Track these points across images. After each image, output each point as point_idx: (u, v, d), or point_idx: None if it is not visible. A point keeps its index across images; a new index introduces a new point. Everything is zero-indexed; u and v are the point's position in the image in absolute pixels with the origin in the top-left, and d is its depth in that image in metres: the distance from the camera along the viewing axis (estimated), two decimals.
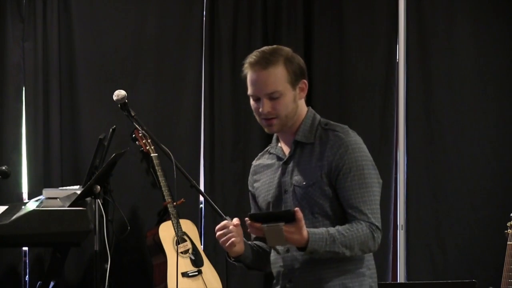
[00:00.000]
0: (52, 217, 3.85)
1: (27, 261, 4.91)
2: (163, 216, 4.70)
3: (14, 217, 3.84)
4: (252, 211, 2.64)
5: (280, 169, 2.51)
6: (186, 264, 4.45)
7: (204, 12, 5.10)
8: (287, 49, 2.49)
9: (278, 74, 2.42)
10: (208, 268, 4.53)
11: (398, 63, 5.08)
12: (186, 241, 4.52)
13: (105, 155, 4.42)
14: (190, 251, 4.50)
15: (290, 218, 2.30)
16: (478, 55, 5.01)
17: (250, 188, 2.65)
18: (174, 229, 4.45)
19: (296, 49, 5.32)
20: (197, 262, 4.50)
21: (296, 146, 2.49)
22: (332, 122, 2.51)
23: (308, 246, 2.32)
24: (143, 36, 5.06)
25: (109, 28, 5.04)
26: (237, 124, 5.11)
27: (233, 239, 2.43)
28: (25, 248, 4.86)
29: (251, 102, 2.50)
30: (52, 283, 4.41)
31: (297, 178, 2.45)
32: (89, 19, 5.01)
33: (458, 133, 5.00)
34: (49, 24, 4.92)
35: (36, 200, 4.28)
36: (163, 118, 5.05)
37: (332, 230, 2.37)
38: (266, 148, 2.64)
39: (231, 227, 2.45)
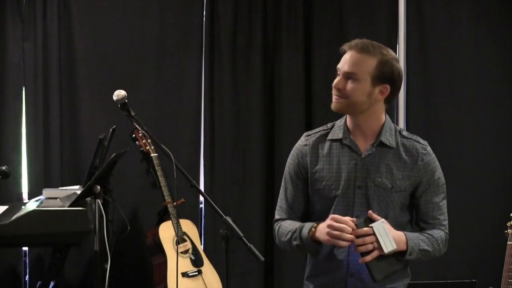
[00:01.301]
0: (52, 217, 3.85)
1: (27, 261, 4.90)
2: (163, 216, 4.70)
3: (14, 217, 3.84)
4: (290, 192, 2.64)
5: (353, 162, 2.53)
6: (186, 264, 4.45)
7: (204, 12, 5.10)
8: (393, 55, 2.57)
9: (366, 63, 2.50)
10: (208, 268, 4.53)
11: None
12: (186, 241, 4.52)
13: (105, 155, 4.42)
14: (190, 251, 4.50)
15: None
16: (478, 55, 5.01)
17: (298, 168, 2.63)
18: (174, 229, 4.45)
19: (296, 49, 5.38)
20: (197, 262, 4.50)
21: (377, 146, 2.53)
22: (407, 132, 2.62)
23: (408, 243, 2.46)
24: (143, 36, 5.06)
25: (109, 28, 5.04)
26: (237, 124, 5.11)
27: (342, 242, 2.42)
28: (25, 248, 4.86)
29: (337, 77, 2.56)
30: (52, 283, 4.41)
31: (381, 180, 2.50)
32: (89, 19, 5.01)
33: (458, 133, 5.01)
34: (49, 24, 4.92)
35: (36, 200, 4.29)
36: (163, 118, 5.05)
37: (420, 233, 2.57)
38: (321, 132, 2.63)
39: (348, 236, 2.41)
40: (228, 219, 2.67)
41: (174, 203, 4.46)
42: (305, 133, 2.67)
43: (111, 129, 4.44)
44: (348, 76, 2.49)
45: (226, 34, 5.09)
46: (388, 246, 2.40)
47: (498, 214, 4.64)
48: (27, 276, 4.90)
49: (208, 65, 5.09)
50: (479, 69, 5.02)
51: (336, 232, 2.39)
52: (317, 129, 2.65)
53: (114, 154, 4.06)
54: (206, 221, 5.06)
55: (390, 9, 5.09)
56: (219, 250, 4.89)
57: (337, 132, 2.59)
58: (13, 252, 4.85)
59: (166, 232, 4.51)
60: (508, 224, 3.85)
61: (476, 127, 5.00)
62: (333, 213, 2.50)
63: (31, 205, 4.12)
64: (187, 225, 4.59)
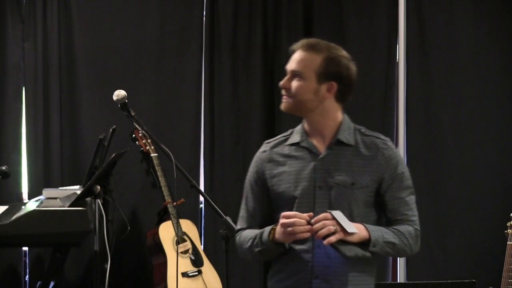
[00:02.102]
0: (52, 217, 3.86)
1: (27, 261, 4.91)
2: (163, 216, 4.70)
3: (14, 217, 3.84)
4: (250, 201, 2.62)
5: (312, 163, 2.50)
6: (186, 264, 4.45)
7: (204, 12, 5.10)
8: (343, 53, 2.55)
9: (311, 61, 2.50)
10: (208, 268, 4.53)
11: (398, 63, 5.08)
12: (186, 241, 4.52)
13: (105, 155, 4.43)
14: (190, 251, 4.50)
15: None
16: (478, 55, 5.01)
17: (257, 175, 2.61)
18: (174, 229, 4.45)
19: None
20: (197, 262, 4.50)
21: (336, 145, 2.51)
22: (367, 129, 2.58)
23: (369, 232, 2.40)
24: (143, 36, 5.06)
25: (109, 28, 5.04)
26: (237, 124, 5.11)
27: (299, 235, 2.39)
28: (25, 248, 4.86)
29: None
30: (52, 283, 4.41)
31: (341, 178, 2.47)
32: (89, 19, 5.01)
33: (458, 133, 5.01)
34: (49, 24, 4.92)
35: (36, 200, 4.29)
36: (163, 118, 5.05)
37: (384, 227, 2.51)
38: (281, 139, 2.62)
39: (302, 226, 2.37)
40: (228, 219, 2.68)
41: (174, 203, 4.46)
42: (266, 141, 2.66)
43: (111, 129, 4.44)
44: (294, 74, 2.50)
45: (226, 34, 5.09)
46: (350, 228, 2.35)
47: (498, 214, 4.64)
48: (27, 276, 4.90)
49: (208, 65, 5.09)
50: (479, 69, 5.02)
51: (289, 229, 2.36)
52: (278, 136, 2.64)
53: (114, 154, 4.06)
54: (206, 221, 5.06)
55: (390, 9, 5.08)
56: (219, 250, 4.89)
57: (295, 136, 2.58)
58: (13, 252, 4.85)
59: (166, 232, 4.51)
60: (508, 224, 3.85)
61: (476, 127, 5.00)
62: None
63: (31, 205, 4.12)
64: (187, 225, 4.58)
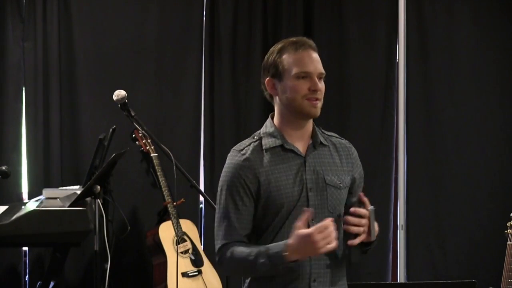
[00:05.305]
0: (52, 217, 3.86)
1: (27, 261, 4.91)
2: (163, 216, 4.70)
3: (14, 217, 3.84)
4: (237, 212, 2.40)
5: (300, 166, 2.41)
6: (186, 264, 4.45)
7: (204, 12, 5.10)
8: None
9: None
10: (208, 268, 4.53)
11: (398, 63, 5.08)
12: (186, 241, 4.52)
13: (105, 155, 4.43)
14: (190, 251, 4.50)
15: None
16: (478, 55, 5.02)
17: (245, 184, 2.42)
18: (174, 229, 4.45)
19: None
20: (197, 262, 4.50)
21: (315, 145, 2.45)
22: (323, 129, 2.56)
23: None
24: (143, 36, 5.06)
25: (109, 28, 5.04)
26: (237, 124, 5.11)
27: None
28: (25, 248, 4.87)
29: (295, 82, 2.40)
30: (52, 283, 4.41)
31: (330, 178, 2.41)
32: (89, 19, 5.01)
33: (458, 133, 5.01)
34: (49, 24, 4.92)
35: (36, 200, 4.29)
36: (163, 118, 5.05)
37: None
38: (254, 144, 2.46)
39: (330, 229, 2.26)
40: None
41: (174, 203, 4.46)
42: (236, 149, 2.48)
43: (111, 129, 4.45)
44: (320, 77, 2.41)
45: (226, 34, 5.09)
46: (373, 235, 2.33)
47: (498, 214, 4.64)
48: (27, 276, 4.90)
49: (208, 65, 5.09)
50: (479, 69, 5.02)
51: (325, 240, 2.23)
52: (246, 142, 2.48)
53: (114, 154, 4.07)
54: (206, 221, 5.06)
55: (390, 9, 5.09)
56: None
57: (271, 140, 2.45)
58: (13, 252, 4.85)
59: (166, 232, 4.51)
60: (508, 224, 3.85)
61: (476, 127, 5.00)
62: (290, 221, 2.34)
63: (31, 205, 4.12)
64: (187, 225, 4.59)
